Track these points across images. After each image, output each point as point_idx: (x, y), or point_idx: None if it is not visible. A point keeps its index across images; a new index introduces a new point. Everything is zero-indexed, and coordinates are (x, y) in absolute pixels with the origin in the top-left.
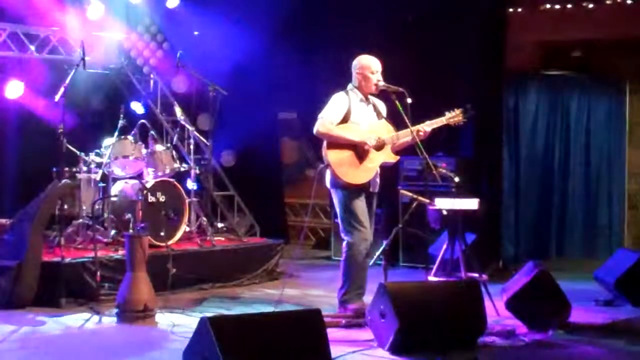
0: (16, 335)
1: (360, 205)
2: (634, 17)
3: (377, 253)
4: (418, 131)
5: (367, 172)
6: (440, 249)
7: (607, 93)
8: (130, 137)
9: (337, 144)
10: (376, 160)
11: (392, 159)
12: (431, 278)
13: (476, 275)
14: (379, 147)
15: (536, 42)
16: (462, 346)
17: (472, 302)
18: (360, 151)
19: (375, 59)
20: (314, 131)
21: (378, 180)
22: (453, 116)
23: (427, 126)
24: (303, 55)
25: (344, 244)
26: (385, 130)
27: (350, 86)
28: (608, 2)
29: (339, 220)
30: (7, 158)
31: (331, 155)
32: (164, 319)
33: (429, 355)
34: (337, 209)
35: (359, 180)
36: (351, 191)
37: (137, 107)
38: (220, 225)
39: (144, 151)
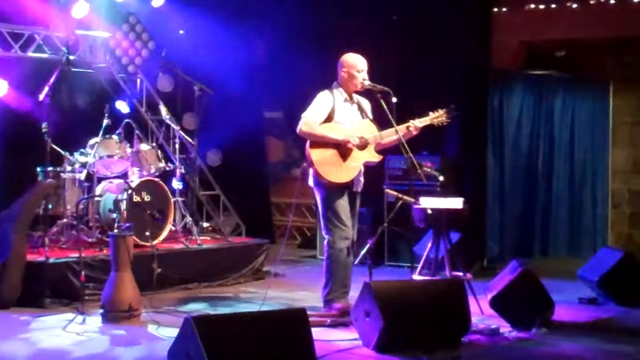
0: None
1: (342, 204)
2: (618, 17)
3: (362, 252)
4: (408, 127)
5: (349, 171)
6: (425, 248)
7: (591, 93)
8: (115, 137)
9: (320, 143)
10: (359, 160)
11: (375, 158)
12: (416, 277)
13: (461, 274)
14: (362, 146)
15: (521, 41)
16: (446, 344)
17: (456, 301)
18: (343, 150)
19: (360, 58)
20: (297, 130)
21: (362, 179)
22: (437, 116)
23: (419, 123)
24: (289, 53)
25: (325, 242)
26: (368, 130)
27: (335, 85)
28: (592, 2)
29: (320, 218)
30: None
31: (314, 154)
32: (148, 318)
33: (413, 354)
34: (319, 207)
35: (341, 179)
36: (333, 190)
37: (122, 107)
38: (205, 224)
39: (129, 150)
